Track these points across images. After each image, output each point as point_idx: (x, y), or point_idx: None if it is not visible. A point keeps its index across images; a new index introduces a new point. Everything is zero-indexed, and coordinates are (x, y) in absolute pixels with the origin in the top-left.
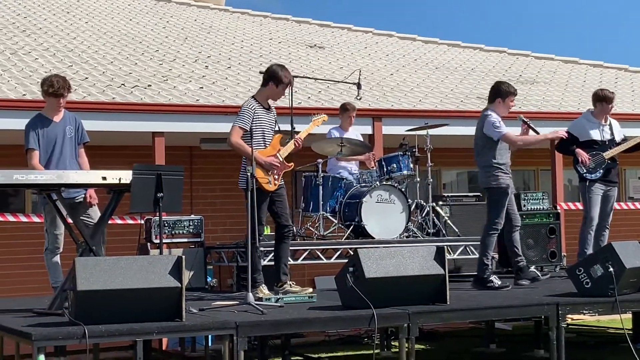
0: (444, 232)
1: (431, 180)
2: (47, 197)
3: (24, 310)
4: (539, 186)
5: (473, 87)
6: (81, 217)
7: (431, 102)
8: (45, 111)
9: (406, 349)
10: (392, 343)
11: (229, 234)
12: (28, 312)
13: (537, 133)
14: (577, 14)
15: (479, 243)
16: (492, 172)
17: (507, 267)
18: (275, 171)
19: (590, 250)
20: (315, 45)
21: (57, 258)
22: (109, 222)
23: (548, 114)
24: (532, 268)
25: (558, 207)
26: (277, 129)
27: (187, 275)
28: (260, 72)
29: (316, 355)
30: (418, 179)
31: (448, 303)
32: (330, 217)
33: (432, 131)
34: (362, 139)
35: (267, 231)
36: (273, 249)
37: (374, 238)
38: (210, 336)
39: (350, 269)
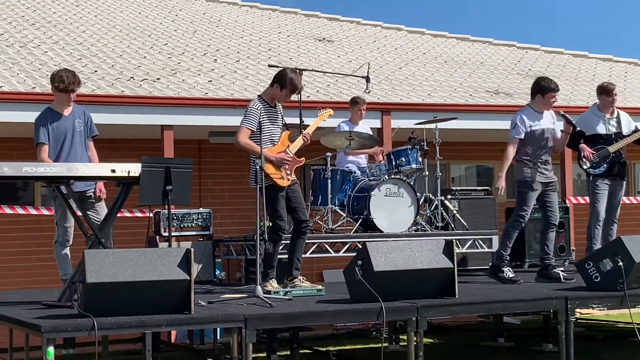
0: (452, 225)
1: (440, 174)
2: (56, 189)
3: (33, 302)
4: None
5: (482, 80)
6: (87, 213)
7: (440, 95)
8: (54, 105)
9: (414, 343)
10: (401, 337)
11: (237, 227)
12: (37, 304)
13: (575, 128)
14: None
15: (487, 237)
16: (520, 166)
17: (516, 261)
18: (287, 167)
19: (598, 245)
20: (324, 38)
21: (67, 250)
22: (118, 214)
23: (557, 108)
24: (559, 269)
25: (567, 202)
26: (283, 124)
27: (195, 268)
28: (270, 66)
29: (324, 349)
30: (427, 173)
31: (457, 297)
32: (339, 211)
33: (440, 125)
34: (371, 133)
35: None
36: (286, 242)
37: (382, 231)
38: (218, 329)
39: (359, 262)
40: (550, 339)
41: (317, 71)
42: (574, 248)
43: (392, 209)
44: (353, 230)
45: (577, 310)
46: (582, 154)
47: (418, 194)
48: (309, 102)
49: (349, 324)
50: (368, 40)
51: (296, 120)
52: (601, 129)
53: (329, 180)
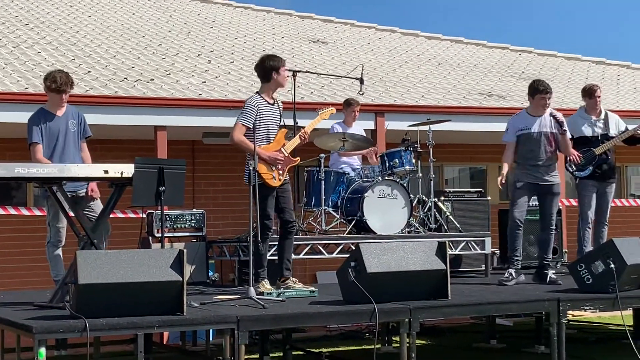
0: (445, 227)
1: (433, 175)
2: (49, 190)
3: (25, 303)
4: None
5: (476, 83)
6: (84, 211)
7: (434, 97)
8: (47, 106)
9: (407, 344)
10: (393, 338)
11: (231, 228)
12: (29, 305)
13: (563, 128)
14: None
15: (480, 239)
16: (514, 168)
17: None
18: (280, 166)
19: (589, 247)
20: (318, 40)
21: (59, 251)
22: (111, 215)
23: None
24: (550, 272)
25: (559, 204)
26: (282, 123)
27: (188, 269)
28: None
29: (317, 350)
30: (420, 175)
31: (449, 298)
32: (332, 212)
33: (434, 127)
34: (365, 134)
35: None
36: (275, 243)
37: (375, 233)
38: (211, 330)
39: (352, 263)
40: (542, 340)
41: (312, 72)
42: (566, 250)
43: (385, 210)
44: (346, 232)
45: (569, 312)
46: (568, 158)
47: (411, 195)
48: (303, 104)
49: (341, 325)
50: (362, 42)
51: (290, 122)
52: (587, 131)
53: (323, 182)
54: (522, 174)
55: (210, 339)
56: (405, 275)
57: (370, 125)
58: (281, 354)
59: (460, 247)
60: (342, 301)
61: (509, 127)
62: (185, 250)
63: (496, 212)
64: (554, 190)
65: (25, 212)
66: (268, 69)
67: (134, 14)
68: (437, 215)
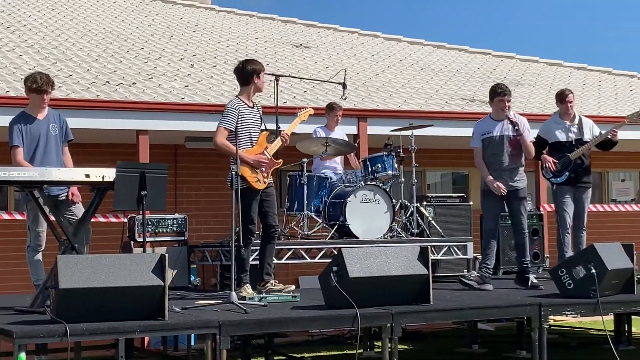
0: (427, 232)
1: (415, 180)
2: (29, 194)
3: (5, 308)
4: None
5: (458, 88)
6: (65, 215)
7: (416, 102)
8: (29, 109)
9: (389, 349)
10: (376, 343)
11: (213, 232)
12: (9, 309)
13: (519, 130)
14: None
15: (462, 244)
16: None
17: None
18: (264, 169)
19: (569, 253)
20: (301, 45)
21: (39, 256)
22: (92, 220)
23: (532, 115)
24: (532, 276)
25: (541, 209)
26: (263, 127)
27: (170, 274)
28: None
29: (299, 355)
30: (402, 179)
31: (431, 303)
32: (315, 217)
33: (416, 132)
34: (347, 139)
35: None
36: (257, 248)
37: (358, 238)
38: (193, 335)
39: (334, 268)
40: (523, 345)
41: (294, 77)
42: (548, 255)
43: (367, 215)
44: (329, 237)
45: (551, 317)
46: (544, 165)
47: (394, 200)
48: (286, 108)
49: (324, 330)
50: (345, 46)
51: (273, 126)
52: (561, 137)
53: (305, 186)
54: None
55: (192, 343)
56: (387, 280)
57: (353, 129)
58: (263, 359)
59: (442, 252)
60: (324, 306)
61: (474, 132)
62: (167, 255)
63: (478, 217)
64: (520, 195)
65: (5, 216)
66: (248, 73)
67: (116, 17)
68: (420, 220)
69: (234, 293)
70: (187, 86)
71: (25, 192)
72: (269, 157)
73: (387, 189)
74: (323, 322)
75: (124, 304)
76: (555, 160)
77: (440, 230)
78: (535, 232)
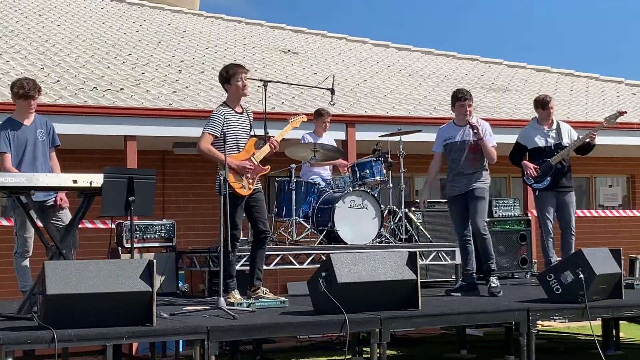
0: (416, 238)
1: (404, 186)
2: (16, 200)
3: None
4: (510, 193)
5: (446, 94)
6: (52, 220)
7: (404, 108)
8: (15, 115)
9: (378, 355)
10: (364, 349)
11: (201, 238)
12: None
13: (479, 133)
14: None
15: (450, 249)
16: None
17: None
18: (250, 175)
19: (554, 258)
20: (289, 50)
21: (27, 262)
22: (80, 226)
23: (520, 122)
24: (493, 281)
25: (529, 214)
26: (252, 133)
27: (158, 280)
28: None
29: None
30: (391, 185)
31: (420, 308)
32: (303, 223)
33: (405, 137)
34: (335, 145)
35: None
36: (247, 253)
37: (346, 243)
38: (181, 341)
39: (323, 273)
40: (512, 350)
41: (282, 83)
42: (536, 260)
43: (356, 220)
44: (317, 242)
45: (539, 322)
46: (525, 172)
47: (382, 206)
48: (274, 114)
49: (312, 336)
50: (333, 52)
51: (261, 132)
52: (540, 142)
53: (294, 192)
54: (450, 188)
55: (180, 349)
56: (376, 286)
57: (341, 135)
58: None
59: (430, 258)
60: (312, 311)
61: (437, 137)
62: (154, 261)
63: None
64: (476, 194)
65: None
66: (222, 79)
67: (103, 23)
68: (408, 226)
69: (222, 299)
70: (175, 92)
71: (13, 198)
72: (256, 163)
73: (376, 195)
74: (312, 328)
75: (111, 310)
76: (536, 167)
77: (429, 236)
78: (523, 237)
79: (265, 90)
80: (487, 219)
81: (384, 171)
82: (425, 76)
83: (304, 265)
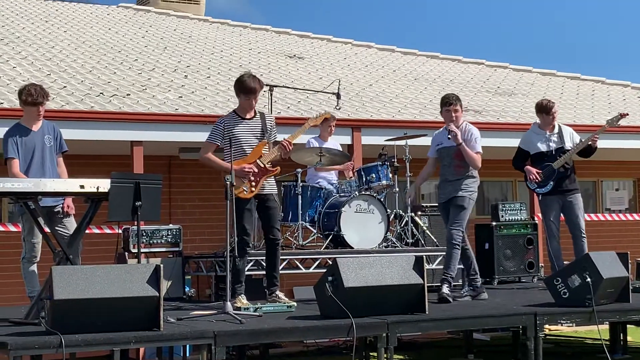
0: (422, 242)
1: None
2: (24, 205)
3: (0, 319)
4: (517, 197)
5: None
6: (57, 228)
7: (410, 112)
8: (23, 120)
9: (385, 359)
10: (371, 353)
11: (207, 243)
12: (4, 321)
13: (458, 139)
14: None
15: None
16: None
17: (485, 277)
18: (253, 178)
19: (560, 261)
20: (294, 55)
21: (34, 267)
22: (86, 231)
23: (525, 126)
24: (445, 287)
25: (536, 218)
26: (267, 135)
27: (165, 284)
28: None
29: None
30: (397, 189)
31: (427, 312)
32: (309, 227)
33: (411, 141)
34: (341, 149)
35: None
36: (254, 258)
37: (352, 248)
38: (188, 346)
39: (329, 278)
40: (519, 355)
41: (288, 87)
42: (543, 264)
43: (362, 225)
44: (323, 247)
45: (546, 326)
46: (528, 176)
47: (388, 210)
48: (280, 119)
49: (319, 340)
50: (338, 57)
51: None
52: (542, 147)
53: (300, 197)
54: (438, 195)
55: (187, 354)
56: (382, 290)
57: (347, 140)
58: None
59: (437, 262)
60: (319, 316)
61: (431, 142)
62: (161, 266)
63: (472, 227)
64: (457, 202)
65: (0, 228)
66: (237, 88)
67: (110, 29)
68: (414, 230)
69: (229, 303)
70: (181, 97)
71: (20, 204)
72: (262, 166)
73: (382, 199)
74: (318, 332)
75: (119, 314)
76: (538, 171)
77: (435, 240)
78: (529, 241)
79: (271, 95)
80: (494, 223)
81: (390, 175)
82: (430, 80)
83: (311, 270)
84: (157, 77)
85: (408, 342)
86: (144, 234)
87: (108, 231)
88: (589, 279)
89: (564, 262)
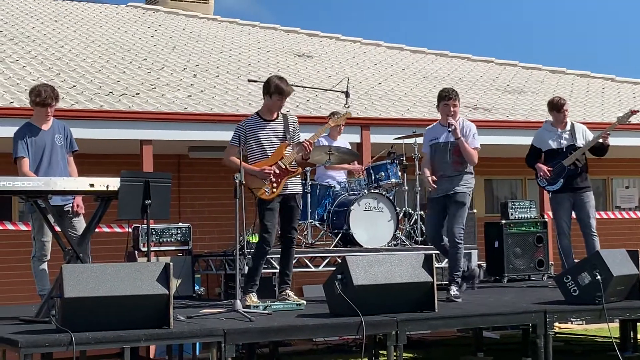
0: None
1: (419, 188)
2: (34, 204)
3: (10, 318)
4: (526, 195)
5: (461, 96)
6: (66, 228)
7: (419, 111)
8: (33, 120)
9: (394, 357)
10: (380, 352)
11: (217, 242)
12: (15, 319)
13: (457, 133)
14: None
15: (466, 251)
16: None
17: (495, 275)
18: (273, 179)
19: (570, 259)
20: (303, 54)
21: (45, 266)
22: (96, 230)
23: (535, 123)
24: (454, 289)
25: (545, 216)
26: (290, 137)
27: (174, 283)
28: (249, 81)
29: None
30: (406, 187)
31: (436, 310)
32: (319, 226)
33: (420, 140)
34: (350, 147)
35: (253, 239)
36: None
37: (362, 246)
38: (198, 343)
39: (339, 276)
40: (529, 353)
41: (297, 86)
42: (553, 262)
43: (371, 223)
44: (333, 245)
45: (556, 324)
46: (539, 174)
47: (397, 208)
48: None
49: (328, 338)
50: (347, 55)
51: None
52: (554, 144)
53: (309, 195)
54: (430, 190)
55: (197, 352)
56: (392, 288)
57: (356, 138)
58: None
59: (446, 260)
60: (329, 314)
61: (424, 138)
62: (171, 264)
63: (482, 225)
64: (457, 198)
65: (10, 227)
66: (265, 88)
67: (119, 28)
68: (423, 228)
69: (238, 301)
70: (190, 96)
71: (30, 202)
72: (284, 167)
73: (391, 197)
74: (328, 330)
75: (129, 312)
76: (549, 168)
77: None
78: (539, 239)
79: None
80: (504, 221)
81: (399, 174)
82: (440, 78)
83: (320, 268)
84: (166, 76)
85: (417, 340)
86: (154, 232)
87: (118, 230)
88: (599, 277)
89: (575, 260)
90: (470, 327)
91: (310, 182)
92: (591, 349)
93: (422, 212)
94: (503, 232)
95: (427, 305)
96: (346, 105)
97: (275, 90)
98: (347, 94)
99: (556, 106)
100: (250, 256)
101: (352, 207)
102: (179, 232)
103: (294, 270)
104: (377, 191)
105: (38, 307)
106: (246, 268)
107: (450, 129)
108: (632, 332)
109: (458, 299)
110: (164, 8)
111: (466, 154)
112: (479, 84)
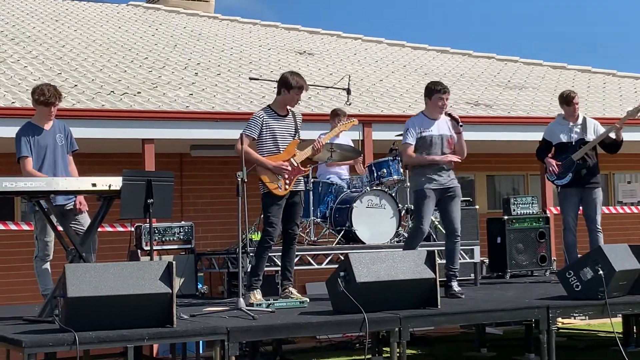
0: (434, 236)
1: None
2: (36, 204)
3: (14, 317)
4: (528, 190)
5: (462, 92)
6: (71, 224)
7: (421, 107)
8: (35, 119)
9: (398, 354)
10: (384, 348)
11: (219, 240)
12: (18, 319)
13: (460, 126)
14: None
15: (469, 248)
16: (412, 175)
17: (498, 271)
18: (287, 175)
19: (574, 255)
20: (304, 51)
21: (47, 265)
22: (99, 229)
23: (536, 119)
24: (455, 284)
25: (547, 212)
26: (298, 135)
27: (177, 281)
28: (251, 79)
29: None
30: (408, 184)
31: (439, 307)
32: (321, 223)
33: None
34: (352, 144)
35: (256, 237)
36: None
37: (364, 243)
38: (201, 342)
39: (342, 273)
40: (532, 348)
41: None
42: (555, 258)
43: (374, 220)
44: (335, 242)
45: (559, 319)
46: (548, 168)
47: (400, 205)
48: None
49: (331, 336)
50: (348, 52)
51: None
52: (564, 138)
53: (311, 193)
54: (423, 181)
55: (200, 351)
56: (394, 285)
57: (358, 135)
58: None
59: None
60: (332, 311)
61: (409, 129)
62: (174, 263)
63: (485, 221)
64: (457, 192)
65: (13, 227)
66: (282, 82)
67: (120, 27)
68: None
69: (241, 299)
70: (191, 94)
71: (32, 202)
72: (296, 165)
73: (393, 194)
74: (331, 327)
75: (132, 311)
76: (558, 163)
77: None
78: (542, 234)
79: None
80: (506, 217)
81: (401, 170)
82: (441, 75)
83: (323, 266)
84: (168, 74)
85: (421, 337)
86: (156, 231)
87: (120, 229)
88: (601, 272)
89: (578, 256)
90: (473, 323)
91: (312, 180)
92: (594, 344)
93: None
94: (505, 228)
95: (429, 301)
96: (347, 103)
97: (297, 85)
98: (348, 91)
99: (566, 99)
100: (252, 254)
101: (354, 204)
102: (181, 230)
103: (296, 267)
104: (379, 188)
105: (41, 306)
106: (249, 266)
107: (459, 123)
108: (634, 327)
109: (462, 295)
110: (165, 7)
111: (462, 148)
112: (480, 80)
